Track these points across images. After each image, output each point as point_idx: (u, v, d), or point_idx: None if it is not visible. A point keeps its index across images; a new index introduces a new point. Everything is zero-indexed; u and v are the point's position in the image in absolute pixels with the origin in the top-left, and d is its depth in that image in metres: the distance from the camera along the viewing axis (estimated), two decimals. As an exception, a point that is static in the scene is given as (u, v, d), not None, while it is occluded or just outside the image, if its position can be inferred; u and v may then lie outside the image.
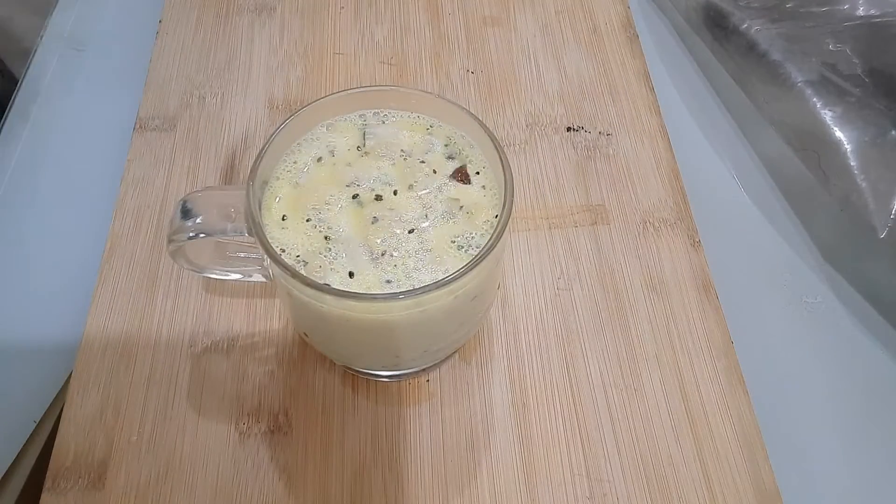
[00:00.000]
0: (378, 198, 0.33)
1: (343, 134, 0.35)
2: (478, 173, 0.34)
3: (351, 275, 0.31)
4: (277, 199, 0.33)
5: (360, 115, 0.36)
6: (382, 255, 0.31)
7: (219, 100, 0.49)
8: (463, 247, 0.32)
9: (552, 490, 0.35)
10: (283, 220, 0.33)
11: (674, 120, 0.49)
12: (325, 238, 0.32)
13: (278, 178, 0.34)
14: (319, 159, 0.34)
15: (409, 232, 0.32)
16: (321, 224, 0.32)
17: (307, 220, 0.32)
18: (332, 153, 0.35)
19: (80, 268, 0.43)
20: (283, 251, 0.32)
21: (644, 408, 0.37)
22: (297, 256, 0.32)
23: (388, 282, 0.31)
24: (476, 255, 0.30)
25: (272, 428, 0.36)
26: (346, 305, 0.30)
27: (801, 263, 0.45)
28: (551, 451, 0.36)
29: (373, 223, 0.32)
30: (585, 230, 0.43)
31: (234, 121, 0.48)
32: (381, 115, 0.36)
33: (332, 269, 0.31)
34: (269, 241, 0.31)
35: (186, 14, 0.54)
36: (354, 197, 0.33)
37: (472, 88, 0.50)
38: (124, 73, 0.52)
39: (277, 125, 0.33)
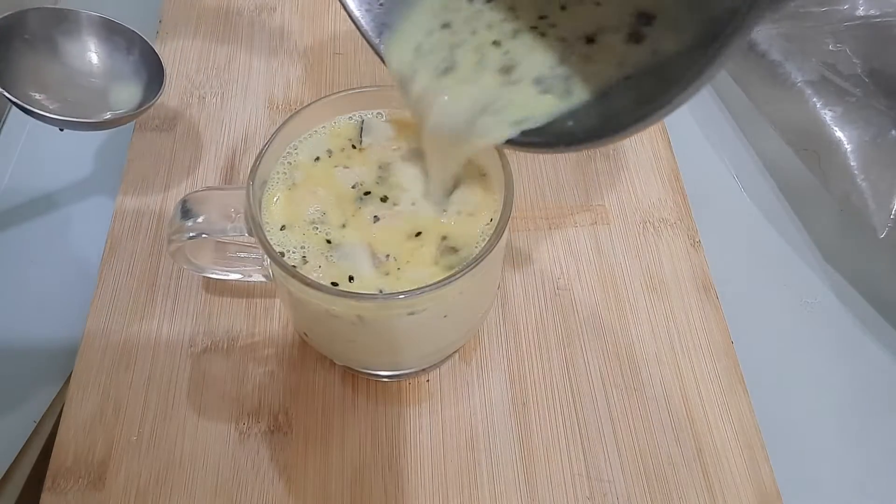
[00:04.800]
0: (379, 198, 0.33)
1: (344, 133, 0.35)
2: (483, 175, 0.34)
3: (351, 279, 0.31)
4: (276, 199, 0.33)
5: (360, 115, 0.36)
6: (387, 257, 0.31)
7: (219, 100, 0.49)
8: (463, 247, 0.32)
9: (552, 490, 0.35)
10: (282, 220, 0.33)
11: (674, 120, 0.49)
12: (327, 241, 0.32)
13: (278, 179, 0.34)
14: (317, 159, 0.34)
15: (410, 232, 0.32)
16: (322, 225, 0.32)
17: (306, 221, 0.32)
18: (329, 153, 0.35)
19: (80, 268, 0.43)
20: (284, 254, 0.31)
21: (644, 408, 0.37)
22: (297, 257, 0.32)
23: (387, 277, 0.31)
24: (475, 256, 0.30)
25: (272, 428, 0.36)
26: (345, 305, 0.30)
27: (801, 263, 0.45)
28: (551, 451, 0.36)
29: (374, 223, 0.32)
30: (585, 230, 0.43)
31: (234, 121, 0.48)
32: (382, 114, 0.36)
33: (331, 270, 0.31)
34: (269, 241, 0.31)
35: (186, 14, 0.54)
36: (354, 197, 0.33)
37: (472, 88, 0.50)
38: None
39: (278, 125, 0.33)
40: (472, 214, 0.33)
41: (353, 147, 0.35)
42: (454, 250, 0.32)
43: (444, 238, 0.32)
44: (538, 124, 0.28)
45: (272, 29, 0.53)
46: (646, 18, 0.28)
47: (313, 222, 0.32)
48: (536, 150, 0.30)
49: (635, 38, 0.28)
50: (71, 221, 0.46)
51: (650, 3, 0.29)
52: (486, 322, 0.40)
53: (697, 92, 0.22)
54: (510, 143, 0.29)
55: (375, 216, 0.32)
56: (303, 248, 0.32)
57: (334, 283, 0.30)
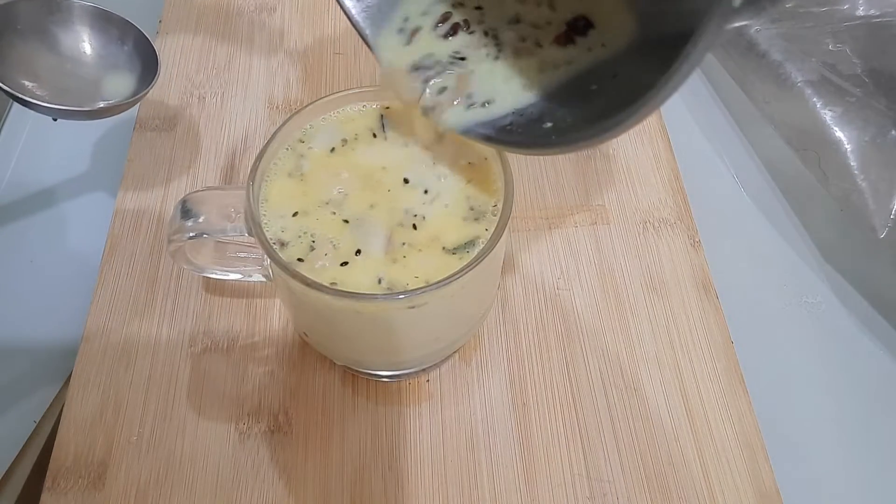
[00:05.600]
0: (388, 185, 0.33)
1: (353, 123, 0.35)
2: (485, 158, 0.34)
3: (358, 252, 0.31)
4: (281, 189, 0.33)
5: (363, 106, 0.36)
6: (402, 245, 0.31)
7: (219, 100, 0.49)
8: (468, 245, 0.31)
9: (552, 490, 0.35)
10: (294, 207, 0.32)
11: (674, 120, 0.49)
12: (345, 221, 0.32)
13: (280, 170, 0.33)
14: (332, 150, 0.34)
15: (414, 225, 0.32)
16: (338, 207, 0.32)
17: (322, 202, 0.32)
18: (344, 142, 0.34)
19: (80, 268, 0.43)
20: (288, 243, 0.31)
21: (644, 408, 0.37)
22: (305, 243, 0.31)
23: (393, 265, 0.31)
24: (475, 256, 0.30)
25: (272, 428, 0.36)
26: (345, 304, 0.30)
27: (801, 263, 0.45)
28: (551, 451, 0.36)
29: (378, 212, 0.32)
30: (585, 230, 0.43)
31: (234, 121, 0.48)
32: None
33: (341, 250, 0.31)
34: (266, 235, 0.31)
35: (186, 14, 0.54)
36: (362, 186, 0.33)
37: (472, 88, 0.50)
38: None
39: (278, 125, 0.33)
40: (479, 211, 0.32)
41: (374, 136, 0.34)
42: (461, 246, 0.31)
43: (451, 233, 0.32)
44: (505, 110, 0.30)
45: (272, 29, 0.53)
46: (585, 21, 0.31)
47: (330, 207, 0.32)
48: (517, 150, 0.31)
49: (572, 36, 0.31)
50: (71, 221, 0.46)
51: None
52: (486, 322, 0.40)
53: (667, 99, 0.22)
54: (488, 139, 0.30)
55: (379, 207, 0.32)
56: (312, 234, 0.31)
57: (344, 264, 0.30)
